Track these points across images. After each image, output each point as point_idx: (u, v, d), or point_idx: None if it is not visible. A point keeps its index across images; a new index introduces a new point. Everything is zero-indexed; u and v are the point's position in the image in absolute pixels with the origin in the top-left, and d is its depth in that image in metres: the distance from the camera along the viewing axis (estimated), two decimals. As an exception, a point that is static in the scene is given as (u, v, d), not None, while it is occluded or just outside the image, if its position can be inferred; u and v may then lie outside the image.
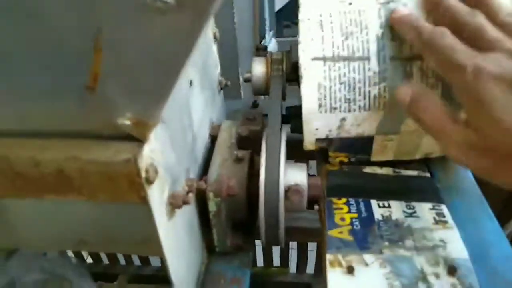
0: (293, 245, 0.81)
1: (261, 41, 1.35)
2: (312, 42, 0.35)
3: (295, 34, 0.37)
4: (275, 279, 0.83)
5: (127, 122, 0.21)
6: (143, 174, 0.23)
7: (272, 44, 1.34)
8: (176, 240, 0.30)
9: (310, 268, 0.84)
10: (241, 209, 0.37)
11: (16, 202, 0.37)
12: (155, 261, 0.88)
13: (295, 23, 0.40)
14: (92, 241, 0.39)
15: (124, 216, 0.36)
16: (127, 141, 0.23)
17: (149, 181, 0.23)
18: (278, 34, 1.63)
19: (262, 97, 0.51)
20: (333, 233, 0.37)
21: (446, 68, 0.27)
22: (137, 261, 0.88)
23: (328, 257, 0.35)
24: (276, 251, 0.82)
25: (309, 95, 0.36)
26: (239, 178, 0.35)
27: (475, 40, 0.26)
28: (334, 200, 0.40)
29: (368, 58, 0.34)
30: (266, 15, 1.28)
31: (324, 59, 0.35)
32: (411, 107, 0.30)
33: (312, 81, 0.36)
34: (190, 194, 0.29)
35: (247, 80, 0.44)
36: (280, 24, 1.70)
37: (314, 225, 0.69)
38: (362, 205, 0.39)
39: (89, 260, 0.91)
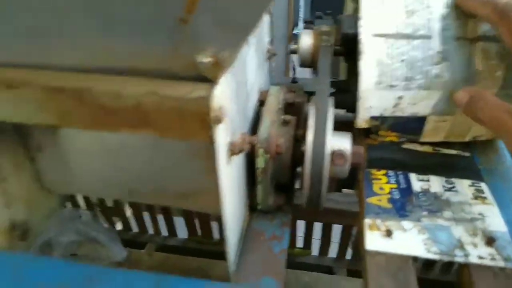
0: (317, 228, 0.83)
1: (293, 29, 1.35)
2: (374, 18, 0.36)
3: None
4: (297, 259, 0.85)
5: (206, 60, 0.22)
6: (214, 113, 0.25)
7: (305, 32, 1.35)
8: (230, 190, 0.32)
9: (333, 252, 0.86)
10: (284, 170, 0.38)
11: (81, 149, 0.40)
12: (181, 233, 0.91)
13: (328, 14, 0.42)
14: (143, 191, 0.42)
15: (176, 166, 0.39)
16: (200, 82, 0.25)
17: (218, 121, 0.25)
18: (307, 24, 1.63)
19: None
20: (371, 200, 0.39)
21: None
22: (164, 232, 0.91)
23: (367, 221, 0.37)
24: (300, 232, 0.84)
25: (368, 72, 0.37)
26: (286, 139, 0.36)
27: None
28: (373, 171, 0.41)
29: (430, 37, 0.35)
30: (301, 3, 1.29)
31: (385, 35, 0.36)
32: (468, 108, 0.32)
33: (372, 58, 0.37)
34: (246, 144, 0.31)
35: (293, 52, 0.46)
36: (313, 14, 1.70)
37: (340, 207, 0.70)
38: (401, 177, 0.40)
39: (119, 227, 0.96)
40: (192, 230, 0.88)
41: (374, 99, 0.38)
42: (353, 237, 0.80)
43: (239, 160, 0.34)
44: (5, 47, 0.26)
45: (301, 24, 1.34)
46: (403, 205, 0.38)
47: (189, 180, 0.40)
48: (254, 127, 0.38)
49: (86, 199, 0.93)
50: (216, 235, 0.89)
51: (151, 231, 0.92)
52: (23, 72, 0.26)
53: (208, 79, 0.25)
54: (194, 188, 0.40)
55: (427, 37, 0.35)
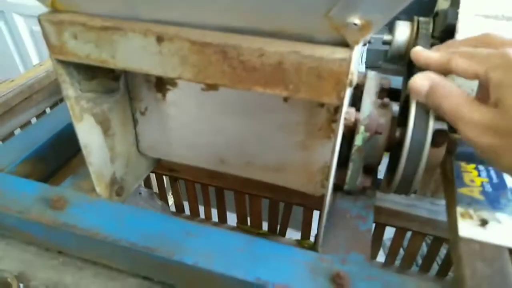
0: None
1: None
2: (475, 0, 0.37)
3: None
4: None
5: (357, 22, 0.24)
6: (350, 76, 0.26)
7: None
8: (334, 163, 0.33)
9: (381, 258, 0.84)
10: (377, 152, 0.39)
11: (181, 116, 0.43)
12: (231, 221, 0.94)
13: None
14: (234, 162, 0.44)
15: (270, 140, 0.41)
16: (338, 47, 0.27)
17: (351, 84, 0.27)
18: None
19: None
20: (462, 190, 0.39)
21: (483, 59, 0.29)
22: (215, 218, 0.94)
23: (459, 210, 0.37)
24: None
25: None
26: (385, 121, 0.38)
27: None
28: (463, 164, 0.42)
29: None
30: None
31: (485, 16, 0.36)
32: (430, 96, 0.31)
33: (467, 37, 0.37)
34: (353, 119, 0.33)
35: (386, 43, 0.47)
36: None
37: (398, 208, 0.69)
38: (492, 172, 0.40)
39: (173, 209, 1.00)
40: (242, 218, 0.90)
41: (462, 80, 0.38)
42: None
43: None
44: (156, 5, 0.29)
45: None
46: (497, 197, 0.38)
47: (281, 154, 0.42)
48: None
49: (146, 179, 0.97)
50: (265, 226, 0.91)
51: (202, 215, 0.95)
52: (172, 28, 0.29)
53: (346, 44, 0.27)
54: (285, 162, 0.42)
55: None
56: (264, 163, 0.43)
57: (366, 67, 1.43)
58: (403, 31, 0.45)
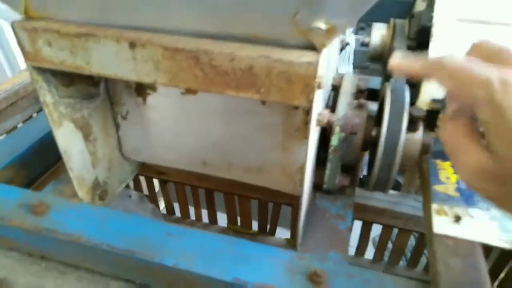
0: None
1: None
2: (450, 4, 0.38)
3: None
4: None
5: (323, 26, 0.25)
6: (318, 79, 0.27)
7: (351, 40, 1.36)
8: (311, 164, 0.34)
9: (369, 255, 0.85)
10: (354, 151, 0.40)
11: (162, 119, 0.43)
12: (222, 222, 0.94)
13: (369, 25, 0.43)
14: (216, 164, 0.45)
15: (251, 141, 0.41)
16: (306, 50, 0.27)
17: (319, 86, 0.27)
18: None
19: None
20: (438, 187, 0.40)
21: (467, 85, 0.24)
22: (206, 219, 0.94)
23: (434, 206, 0.38)
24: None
25: (436, 54, 0.39)
26: (360, 121, 0.38)
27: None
28: (438, 161, 0.42)
29: (509, 24, 0.36)
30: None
31: (460, 20, 0.37)
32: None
33: (442, 41, 0.38)
34: (326, 120, 0.33)
35: (364, 44, 0.48)
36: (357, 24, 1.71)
37: (383, 205, 0.70)
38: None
39: (164, 212, 1.00)
40: (233, 219, 0.91)
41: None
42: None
43: (315, 136, 0.36)
44: (130, 12, 0.30)
45: (347, 32, 1.36)
46: (471, 194, 0.38)
47: (261, 155, 0.42)
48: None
49: (135, 180, 0.98)
50: (255, 226, 0.91)
51: (193, 216, 0.96)
52: (145, 34, 0.30)
53: (314, 47, 0.27)
54: (265, 163, 0.43)
55: (506, 23, 0.36)
56: (245, 165, 0.44)
57: (354, 68, 1.44)
58: (379, 33, 0.46)
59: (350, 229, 0.40)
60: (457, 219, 0.36)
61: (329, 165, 0.40)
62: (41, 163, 0.52)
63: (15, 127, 0.77)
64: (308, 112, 0.36)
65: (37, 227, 0.39)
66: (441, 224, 0.36)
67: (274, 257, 0.37)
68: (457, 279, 0.33)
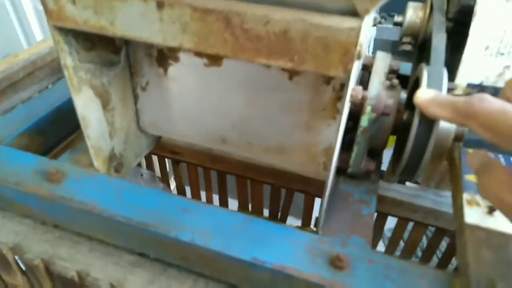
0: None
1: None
2: None
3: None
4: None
5: (369, -12, 0.23)
6: (358, 48, 0.25)
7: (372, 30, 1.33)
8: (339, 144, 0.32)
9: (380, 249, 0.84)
10: (383, 135, 0.38)
11: (183, 92, 0.42)
12: (232, 206, 0.93)
13: (390, 15, 0.40)
14: (236, 142, 0.43)
15: (274, 120, 0.40)
16: (347, 16, 0.25)
17: (359, 56, 0.25)
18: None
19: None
20: (470, 177, 0.38)
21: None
22: (216, 203, 0.94)
23: (465, 196, 0.36)
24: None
25: (477, 35, 0.36)
26: (393, 102, 0.36)
27: None
28: (470, 150, 0.40)
29: None
30: None
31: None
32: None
33: (485, 21, 0.36)
34: (365, 93, 0.31)
35: (398, 24, 0.45)
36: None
37: (402, 197, 0.68)
38: (502, 159, 0.39)
39: (174, 193, 0.99)
40: (244, 203, 0.90)
41: (477, 65, 0.37)
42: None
43: (347, 113, 0.34)
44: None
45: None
46: (506, 186, 0.36)
47: (284, 135, 0.40)
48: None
49: (147, 159, 0.97)
50: (266, 213, 0.90)
51: (204, 199, 0.95)
52: (174, -6, 0.28)
53: (355, 14, 0.25)
54: (287, 143, 0.41)
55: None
56: (266, 144, 0.42)
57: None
58: (415, 12, 0.43)
59: (373, 215, 0.39)
60: (491, 210, 0.34)
61: (356, 148, 0.38)
62: (56, 133, 0.51)
63: (30, 98, 0.76)
64: (341, 87, 0.34)
65: (53, 194, 0.38)
66: (473, 215, 0.34)
67: (294, 238, 0.35)
68: (488, 271, 0.31)
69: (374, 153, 0.41)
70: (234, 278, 0.36)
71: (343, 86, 0.33)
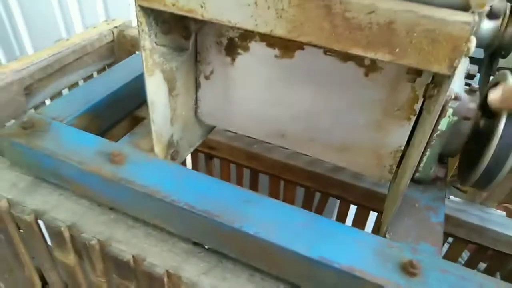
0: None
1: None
2: None
3: None
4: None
5: (495, -20, 0.22)
6: (469, 44, 0.24)
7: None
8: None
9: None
10: (459, 140, 0.37)
11: (247, 83, 0.41)
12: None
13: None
14: (296, 136, 0.42)
15: (341, 116, 0.39)
16: (457, 11, 0.24)
17: (468, 52, 0.24)
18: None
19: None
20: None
21: None
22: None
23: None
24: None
25: None
26: (474, 106, 0.35)
27: None
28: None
29: None
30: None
31: None
32: None
33: None
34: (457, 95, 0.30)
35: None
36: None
37: (447, 211, 0.65)
38: None
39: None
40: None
41: None
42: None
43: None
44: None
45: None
46: None
47: (351, 133, 0.39)
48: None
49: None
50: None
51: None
52: (271, -22, 0.27)
53: (465, 9, 0.24)
54: (353, 142, 0.40)
55: None
56: (329, 141, 0.41)
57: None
58: (486, 24, 0.41)
59: (442, 224, 0.37)
60: None
61: (429, 152, 0.36)
62: (113, 115, 0.51)
63: (76, 84, 0.77)
64: (432, 85, 0.33)
65: (115, 176, 0.38)
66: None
67: (361, 240, 0.34)
68: None
69: (444, 160, 0.39)
70: (295, 276, 0.35)
71: (431, 84, 0.32)
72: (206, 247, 0.39)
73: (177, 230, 0.39)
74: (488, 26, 0.42)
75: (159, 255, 0.38)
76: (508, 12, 0.41)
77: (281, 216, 0.36)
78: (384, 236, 0.35)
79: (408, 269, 0.31)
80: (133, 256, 0.38)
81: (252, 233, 0.34)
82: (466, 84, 0.39)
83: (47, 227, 0.41)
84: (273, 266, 0.36)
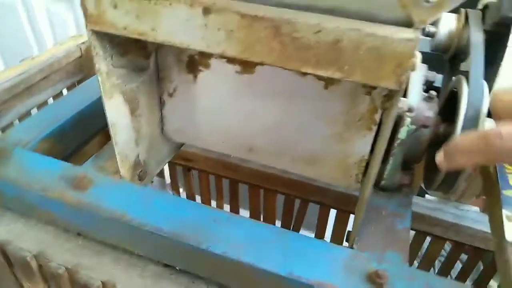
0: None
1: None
2: None
3: None
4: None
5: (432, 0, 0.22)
6: (414, 58, 0.24)
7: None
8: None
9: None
10: (419, 147, 0.37)
11: (211, 99, 0.41)
12: (243, 214, 0.92)
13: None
14: (264, 150, 0.42)
15: (306, 129, 0.39)
16: (401, 27, 0.25)
17: (413, 68, 0.25)
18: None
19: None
20: (508, 193, 0.37)
21: None
22: (227, 208, 0.92)
23: (505, 212, 0.35)
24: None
25: None
26: (431, 114, 0.35)
27: None
28: (507, 165, 0.39)
29: None
30: None
31: None
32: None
33: None
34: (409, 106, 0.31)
35: (429, 35, 0.45)
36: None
37: (422, 211, 0.66)
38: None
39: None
40: (255, 214, 0.89)
41: None
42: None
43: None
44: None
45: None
46: (547, 202, 0.35)
47: (316, 145, 0.40)
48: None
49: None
50: (278, 224, 0.89)
51: (214, 204, 0.94)
52: None
53: (408, 25, 0.25)
54: (319, 154, 0.40)
55: None
56: (296, 154, 0.41)
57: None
58: (448, 23, 0.42)
59: (409, 230, 0.38)
60: (534, 227, 0.33)
61: (391, 160, 0.37)
62: (77, 138, 0.50)
63: (45, 102, 0.76)
64: (386, 97, 0.34)
65: (79, 201, 0.37)
66: (514, 232, 0.33)
67: (329, 253, 0.34)
68: (533, 292, 0.30)
69: (408, 166, 0.40)
70: (267, 293, 0.35)
71: (386, 96, 0.32)
72: (177, 268, 0.39)
73: (146, 253, 0.39)
74: (444, 30, 0.43)
75: (129, 280, 0.38)
76: (463, 19, 0.42)
77: (249, 234, 0.35)
78: (352, 247, 0.36)
79: (374, 279, 0.31)
80: (102, 283, 0.37)
81: (220, 253, 0.34)
82: (430, 88, 0.39)
83: (12, 258, 0.40)
84: (245, 285, 0.36)
